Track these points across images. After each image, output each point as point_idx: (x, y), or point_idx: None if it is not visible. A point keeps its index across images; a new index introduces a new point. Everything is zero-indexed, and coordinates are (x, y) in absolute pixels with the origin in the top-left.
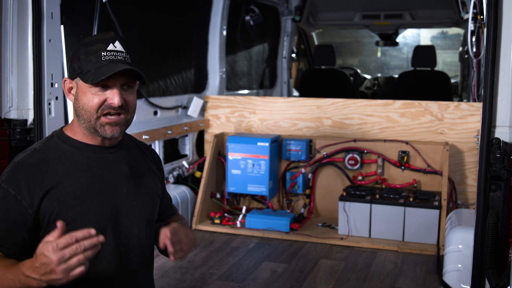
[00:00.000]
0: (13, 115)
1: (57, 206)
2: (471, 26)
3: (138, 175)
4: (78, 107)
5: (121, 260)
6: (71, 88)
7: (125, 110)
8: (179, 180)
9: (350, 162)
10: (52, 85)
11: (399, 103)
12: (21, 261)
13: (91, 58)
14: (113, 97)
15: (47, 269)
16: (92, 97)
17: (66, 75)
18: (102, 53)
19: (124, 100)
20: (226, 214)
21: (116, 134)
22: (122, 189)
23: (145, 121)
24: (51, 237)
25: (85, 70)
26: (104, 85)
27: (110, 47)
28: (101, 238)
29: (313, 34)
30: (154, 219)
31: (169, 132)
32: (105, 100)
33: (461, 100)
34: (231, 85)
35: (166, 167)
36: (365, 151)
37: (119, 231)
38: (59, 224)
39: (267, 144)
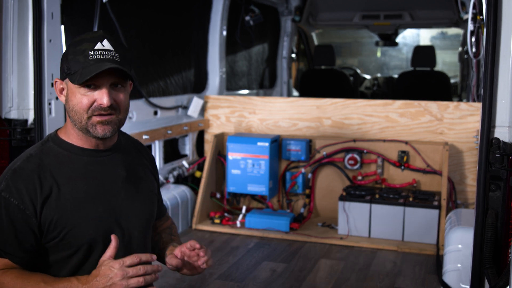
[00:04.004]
0: (13, 115)
1: (57, 214)
2: (470, 26)
3: (135, 176)
4: (69, 108)
5: None
6: (62, 89)
7: (116, 110)
8: (179, 180)
9: (349, 162)
10: (52, 85)
11: (398, 103)
12: (34, 267)
13: (79, 58)
14: (102, 97)
15: (109, 281)
16: (81, 97)
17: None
18: (90, 52)
19: (114, 100)
20: (226, 214)
21: (108, 133)
22: (120, 192)
23: (145, 121)
24: (109, 252)
25: (73, 70)
26: (93, 85)
27: (98, 46)
28: (160, 267)
29: (313, 34)
30: (153, 218)
31: (169, 132)
32: (94, 101)
33: (460, 100)
34: (231, 85)
35: (166, 167)
36: (365, 151)
37: (121, 234)
38: (113, 237)
39: (267, 144)
